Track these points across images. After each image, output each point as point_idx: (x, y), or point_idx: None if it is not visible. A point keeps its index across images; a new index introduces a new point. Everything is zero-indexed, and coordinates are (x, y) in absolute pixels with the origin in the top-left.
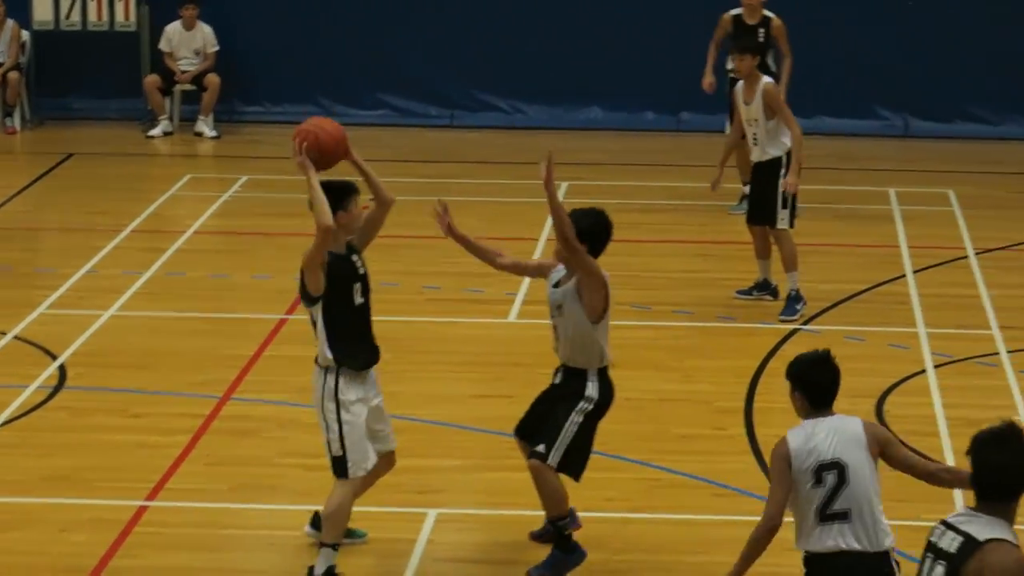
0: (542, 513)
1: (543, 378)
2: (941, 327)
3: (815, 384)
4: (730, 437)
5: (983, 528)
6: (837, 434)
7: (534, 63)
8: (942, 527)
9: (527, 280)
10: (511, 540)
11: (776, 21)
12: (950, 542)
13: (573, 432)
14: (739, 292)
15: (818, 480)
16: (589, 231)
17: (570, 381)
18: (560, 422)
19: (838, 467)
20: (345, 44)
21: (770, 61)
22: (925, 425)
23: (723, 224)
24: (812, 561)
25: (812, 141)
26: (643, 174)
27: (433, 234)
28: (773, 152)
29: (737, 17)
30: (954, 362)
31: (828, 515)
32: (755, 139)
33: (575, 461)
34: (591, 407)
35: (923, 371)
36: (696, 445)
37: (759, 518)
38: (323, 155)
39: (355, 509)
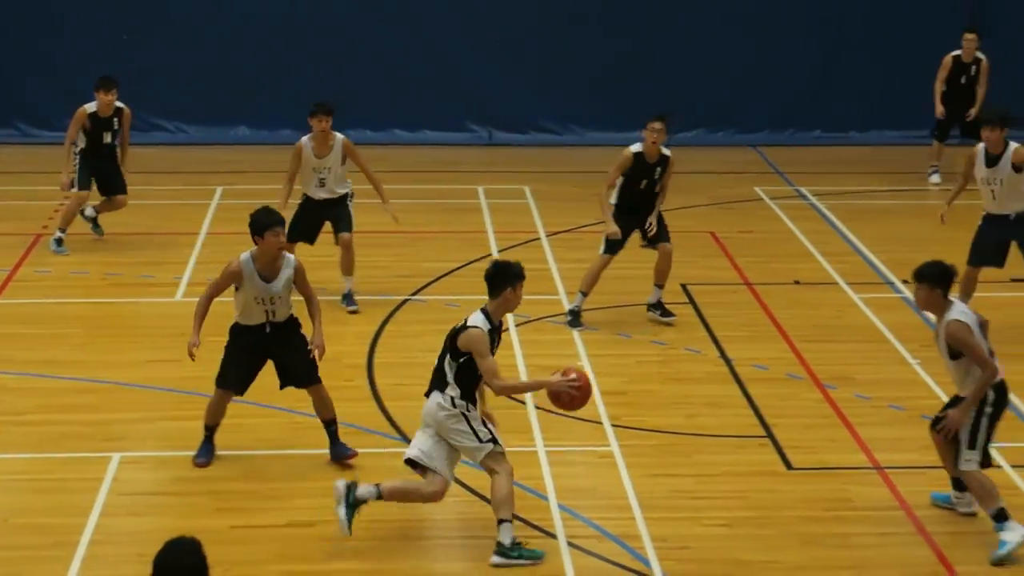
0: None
1: (208, 344)
2: None
3: (950, 280)
4: (355, 387)
5: None
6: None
7: (193, 90)
8: None
9: (191, 265)
10: (182, 476)
11: (126, 111)
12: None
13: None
14: None
15: (983, 334)
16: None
17: None
18: None
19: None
20: (36, 76)
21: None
22: (509, 372)
23: None
24: (996, 388)
25: (417, 151)
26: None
27: (114, 230)
28: (343, 190)
29: (93, 115)
30: (531, 321)
31: (991, 352)
32: (323, 182)
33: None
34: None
35: (507, 329)
36: (330, 394)
37: (383, 450)
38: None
39: (48, 456)
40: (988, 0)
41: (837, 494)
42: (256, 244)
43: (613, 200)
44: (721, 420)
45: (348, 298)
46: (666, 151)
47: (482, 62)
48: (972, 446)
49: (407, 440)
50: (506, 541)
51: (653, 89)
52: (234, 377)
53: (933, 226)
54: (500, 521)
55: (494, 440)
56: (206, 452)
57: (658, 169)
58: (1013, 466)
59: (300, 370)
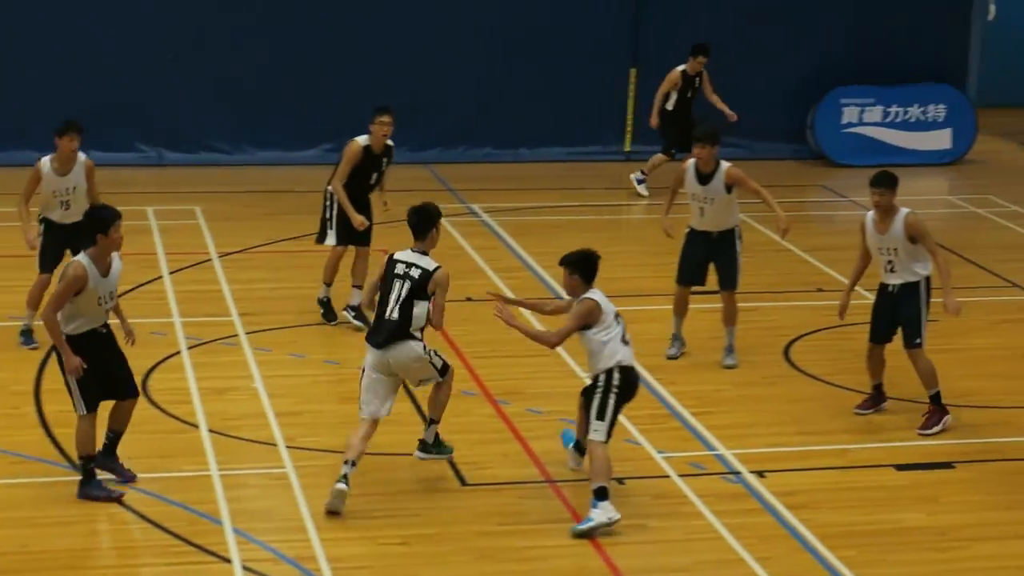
0: None
1: None
2: (192, 316)
3: (592, 268)
4: (22, 415)
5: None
6: (607, 298)
7: None
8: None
9: None
10: None
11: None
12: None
13: None
14: None
15: (617, 321)
16: None
17: None
18: None
19: (620, 315)
20: None
21: None
22: (181, 395)
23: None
24: (624, 371)
25: None
26: None
27: None
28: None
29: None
30: (203, 343)
31: (626, 340)
32: (67, 204)
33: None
34: None
35: (178, 352)
36: None
37: (51, 479)
38: None
39: None
40: (643, 25)
41: (511, 508)
42: (99, 241)
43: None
44: (393, 438)
45: (27, 335)
46: (390, 141)
47: (151, 82)
48: (600, 417)
49: (76, 467)
50: (429, 439)
51: (323, 109)
52: (95, 395)
53: (599, 240)
54: (431, 421)
55: (445, 366)
56: (102, 486)
57: (384, 160)
58: (680, 475)
59: (130, 380)
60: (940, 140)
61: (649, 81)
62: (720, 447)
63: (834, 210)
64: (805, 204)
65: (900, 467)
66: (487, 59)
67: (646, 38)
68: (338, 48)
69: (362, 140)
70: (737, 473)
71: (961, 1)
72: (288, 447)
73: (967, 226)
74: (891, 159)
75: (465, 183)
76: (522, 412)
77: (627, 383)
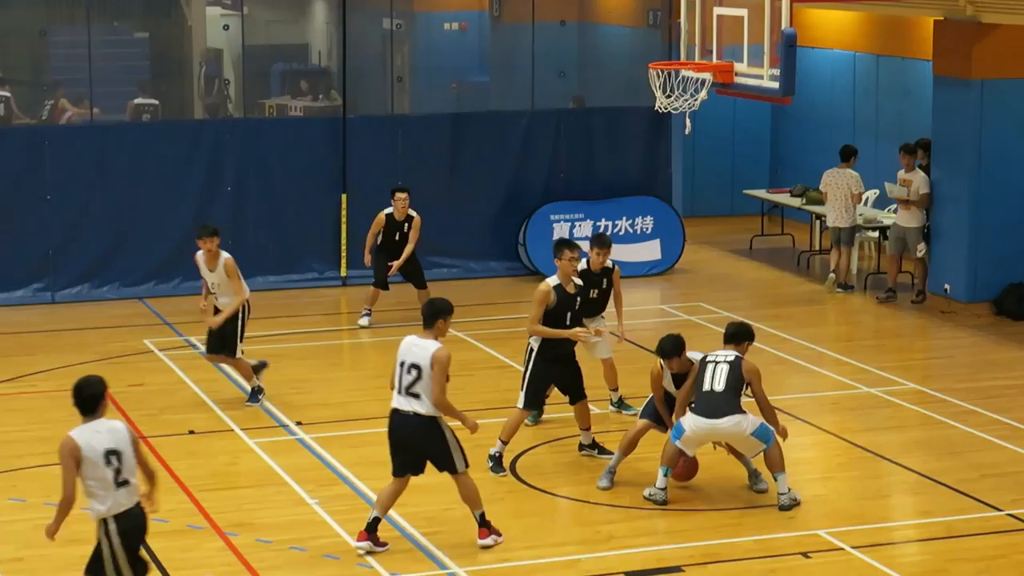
0: None
1: None
2: None
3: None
4: None
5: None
6: None
7: None
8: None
9: None
10: None
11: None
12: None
13: None
14: None
15: None
16: None
17: None
18: None
19: None
20: None
21: None
22: None
23: None
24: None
25: None
26: None
27: None
28: None
29: None
30: None
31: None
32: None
33: None
34: None
35: None
36: None
37: None
38: None
39: None
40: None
41: None
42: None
43: None
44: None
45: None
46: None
47: None
48: None
49: None
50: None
51: (23, 249)
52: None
53: (313, 368)
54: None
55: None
56: None
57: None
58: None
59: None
60: (650, 251)
61: (357, 206)
62: (452, 566)
63: None
64: (523, 320)
65: (630, 573)
66: (201, 189)
67: (354, 164)
68: (29, 186)
69: (552, 280)
70: None
71: (661, 117)
72: None
73: (681, 333)
74: None
75: (182, 316)
76: (251, 543)
77: None
